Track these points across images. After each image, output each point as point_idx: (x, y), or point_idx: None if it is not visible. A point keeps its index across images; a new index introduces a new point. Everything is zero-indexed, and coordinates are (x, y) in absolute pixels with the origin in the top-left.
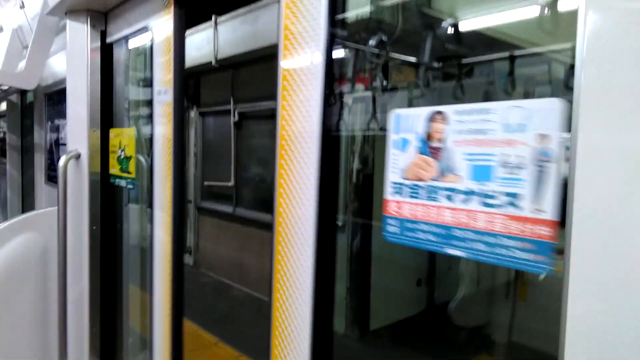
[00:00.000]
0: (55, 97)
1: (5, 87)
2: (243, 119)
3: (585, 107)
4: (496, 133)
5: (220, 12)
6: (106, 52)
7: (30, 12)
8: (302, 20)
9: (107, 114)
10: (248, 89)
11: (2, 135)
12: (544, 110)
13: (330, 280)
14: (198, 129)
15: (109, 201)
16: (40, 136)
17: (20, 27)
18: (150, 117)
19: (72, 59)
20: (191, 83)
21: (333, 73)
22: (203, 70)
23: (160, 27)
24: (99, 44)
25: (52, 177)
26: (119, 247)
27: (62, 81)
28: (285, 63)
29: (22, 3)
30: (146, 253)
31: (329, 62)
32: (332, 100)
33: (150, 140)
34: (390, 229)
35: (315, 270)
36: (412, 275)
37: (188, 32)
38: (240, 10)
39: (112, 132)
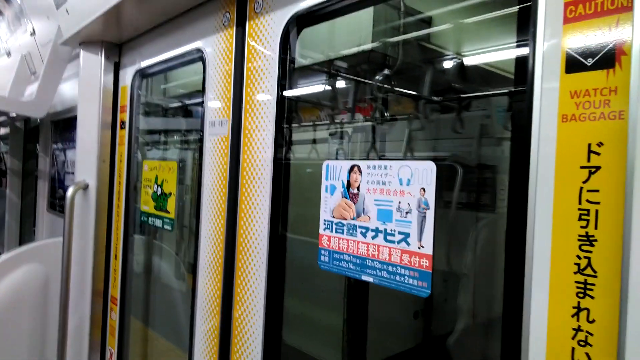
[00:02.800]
0: (62, 124)
1: (13, 114)
2: None
3: None
4: (393, 184)
5: None
6: (118, 83)
7: (41, 39)
8: (260, 57)
9: (115, 145)
10: None
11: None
12: (423, 170)
13: (281, 285)
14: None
15: (122, 233)
16: (45, 163)
17: (29, 53)
18: (162, 149)
19: (84, 90)
20: None
21: (284, 108)
22: None
23: (215, 49)
24: (112, 75)
25: (54, 204)
26: (123, 279)
27: (71, 109)
28: (248, 96)
29: (33, 30)
30: (152, 285)
31: (280, 98)
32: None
33: (199, 176)
34: (323, 258)
35: (267, 279)
36: (409, 307)
37: None
38: None
39: (147, 164)
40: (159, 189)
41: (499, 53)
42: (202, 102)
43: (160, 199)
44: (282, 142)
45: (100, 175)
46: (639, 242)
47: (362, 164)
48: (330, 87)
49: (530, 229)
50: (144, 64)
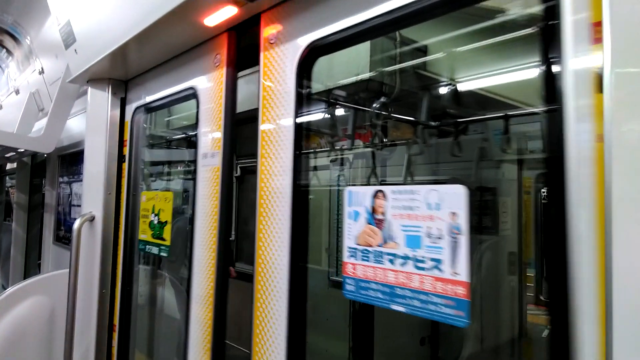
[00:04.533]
0: (68, 159)
1: (22, 149)
2: (245, 174)
3: (616, 157)
4: (420, 209)
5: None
6: (124, 117)
7: (49, 77)
8: (276, 91)
9: (121, 178)
10: (250, 145)
11: (7, 191)
12: (452, 194)
13: (302, 321)
14: None
15: (121, 264)
16: (52, 196)
17: (37, 91)
18: (166, 180)
19: (91, 125)
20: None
21: (301, 135)
22: None
23: (207, 87)
24: (118, 110)
25: (60, 237)
26: (127, 309)
27: (78, 144)
28: (264, 127)
29: (42, 69)
30: (155, 317)
31: (297, 127)
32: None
33: (193, 205)
34: (349, 287)
35: (289, 315)
36: (415, 334)
37: None
38: (245, 71)
39: (145, 195)
40: (156, 217)
41: (524, 72)
42: (196, 135)
43: (157, 228)
44: (301, 169)
45: (106, 207)
46: None
47: (387, 189)
48: (339, 114)
49: (574, 253)
50: (142, 101)
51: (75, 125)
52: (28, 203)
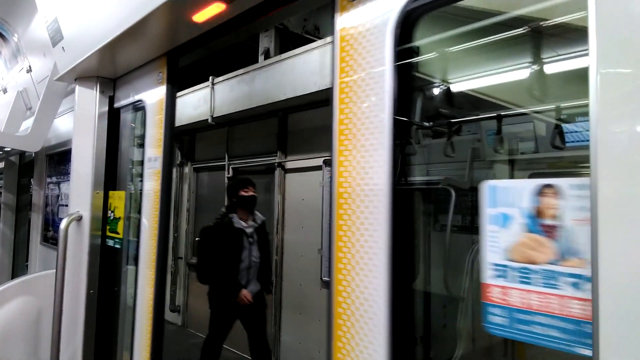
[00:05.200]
0: (56, 158)
1: (9, 149)
2: (237, 175)
3: (602, 158)
4: None
5: (218, 74)
6: (113, 116)
7: (36, 75)
8: (362, 65)
9: (110, 176)
10: (242, 145)
11: None
12: None
13: None
14: (192, 184)
15: (108, 264)
16: (39, 196)
17: (25, 89)
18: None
19: (79, 123)
20: (186, 139)
21: (400, 121)
22: (199, 127)
23: (152, 101)
24: (106, 108)
25: (48, 237)
26: (115, 311)
27: (66, 142)
28: (343, 112)
29: (30, 67)
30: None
31: (396, 109)
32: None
33: (140, 201)
34: (495, 319)
35: None
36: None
37: (186, 91)
38: (238, 71)
39: (110, 194)
40: (112, 214)
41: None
42: (143, 142)
43: (113, 223)
44: (403, 163)
45: (93, 206)
46: None
47: (561, 182)
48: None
49: None
50: (131, 99)
51: (63, 124)
52: (16, 203)
